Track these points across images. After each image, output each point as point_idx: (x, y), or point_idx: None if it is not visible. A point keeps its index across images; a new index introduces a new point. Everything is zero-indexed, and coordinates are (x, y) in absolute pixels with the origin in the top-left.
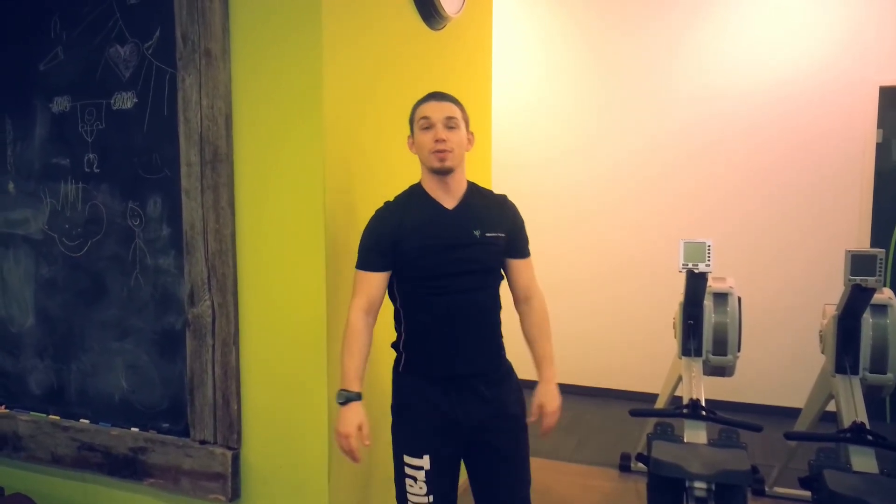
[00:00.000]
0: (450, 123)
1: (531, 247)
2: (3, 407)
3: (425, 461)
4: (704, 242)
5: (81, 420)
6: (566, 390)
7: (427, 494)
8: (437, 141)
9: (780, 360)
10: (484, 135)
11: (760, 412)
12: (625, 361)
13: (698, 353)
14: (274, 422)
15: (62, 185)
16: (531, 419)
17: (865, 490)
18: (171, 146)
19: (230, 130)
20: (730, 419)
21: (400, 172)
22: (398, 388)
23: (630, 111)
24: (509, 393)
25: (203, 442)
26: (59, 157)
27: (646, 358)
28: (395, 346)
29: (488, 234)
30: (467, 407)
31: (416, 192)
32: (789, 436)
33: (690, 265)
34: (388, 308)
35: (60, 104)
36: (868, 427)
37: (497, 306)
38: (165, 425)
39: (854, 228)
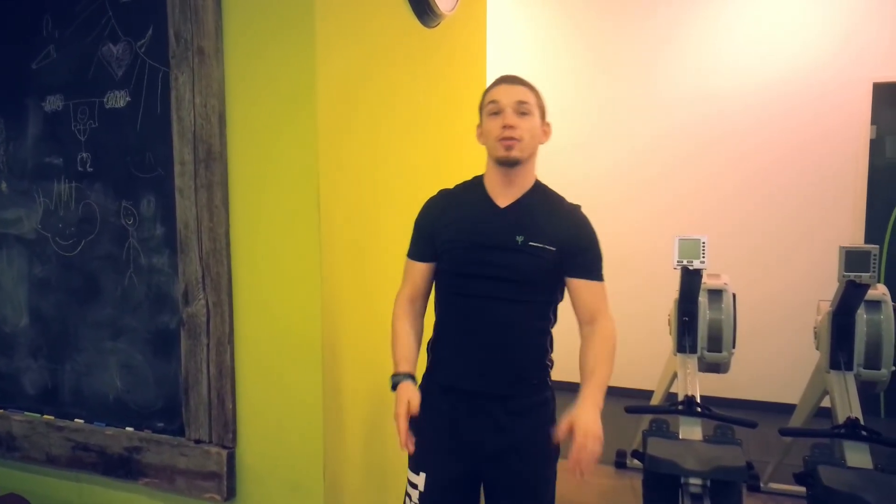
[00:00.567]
0: (521, 109)
1: None
2: None
3: (420, 479)
4: (699, 239)
5: (76, 420)
6: (560, 387)
7: None
8: (504, 127)
9: (775, 357)
10: None
11: (755, 408)
12: (620, 358)
13: (693, 350)
14: (269, 421)
15: (55, 185)
16: (556, 439)
17: (860, 485)
18: (165, 145)
19: (224, 129)
20: (725, 415)
21: (395, 170)
22: (421, 388)
23: (625, 109)
24: (537, 428)
25: (198, 441)
26: (52, 157)
27: (641, 354)
28: (428, 345)
29: (532, 244)
30: (479, 431)
31: (473, 183)
32: (784, 432)
33: (685, 262)
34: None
35: (53, 103)
36: (862, 423)
37: (537, 326)
38: (160, 425)
39: (848, 224)
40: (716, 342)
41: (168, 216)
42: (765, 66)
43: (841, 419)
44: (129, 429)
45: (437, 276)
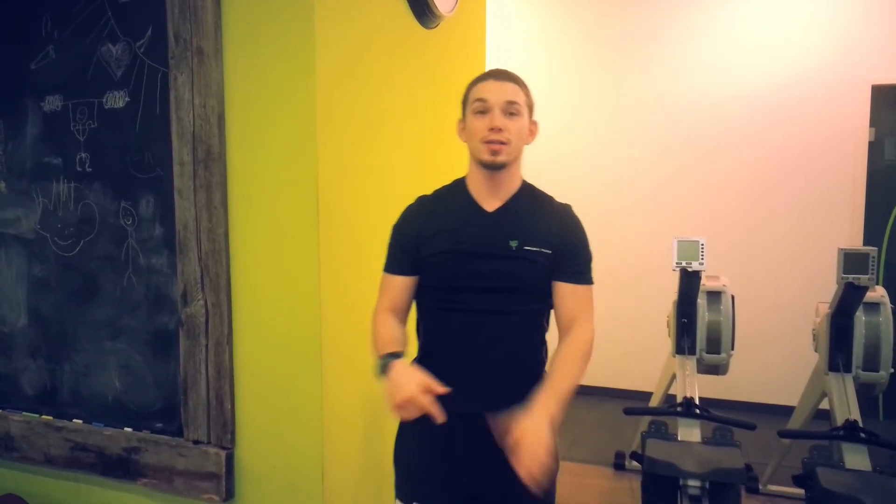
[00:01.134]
0: (511, 109)
1: None
2: None
3: None
4: (698, 241)
5: (74, 420)
6: None
7: None
8: (492, 129)
9: (774, 359)
10: None
11: (754, 410)
12: (619, 360)
13: (692, 352)
14: (268, 421)
15: (54, 185)
16: (504, 448)
17: (858, 487)
18: (164, 145)
19: (223, 129)
20: (723, 417)
21: (395, 171)
22: None
23: (626, 113)
24: None
25: (196, 442)
26: (51, 157)
27: (640, 356)
28: (413, 363)
29: (527, 248)
30: (478, 454)
31: (456, 187)
32: (783, 434)
33: (684, 263)
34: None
35: (52, 103)
36: (861, 425)
37: (536, 337)
38: (159, 425)
39: (847, 226)
40: (714, 344)
41: (167, 216)
42: (763, 69)
43: (840, 421)
44: (127, 429)
45: (422, 293)
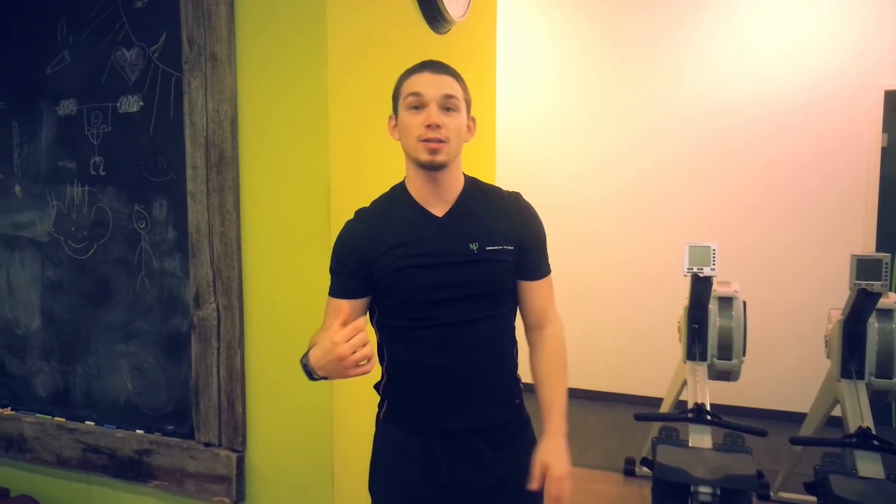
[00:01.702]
0: (447, 104)
1: None
2: (9, 409)
3: None
4: (709, 246)
5: (87, 422)
6: (569, 394)
7: None
8: (428, 126)
9: (786, 365)
10: (488, 143)
11: (765, 417)
12: (629, 365)
13: (703, 358)
14: (279, 424)
15: (68, 188)
16: (532, 486)
17: (871, 495)
18: (177, 149)
19: (236, 134)
20: (735, 423)
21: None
22: (377, 439)
23: (638, 119)
24: (522, 456)
25: (208, 444)
26: (66, 160)
27: (650, 362)
28: (377, 387)
29: (490, 248)
30: (461, 472)
31: (397, 194)
32: (795, 440)
33: (695, 269)
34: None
35: (67, 107)
36: (874, 432)
37: (509, 340)
38: (170, 427)
39: (859, 233)
40: (726, 350)
41: (180, 220)
42: (775, 74)
43: (852, 428)
44: (139, 431)
45: (382, 314)
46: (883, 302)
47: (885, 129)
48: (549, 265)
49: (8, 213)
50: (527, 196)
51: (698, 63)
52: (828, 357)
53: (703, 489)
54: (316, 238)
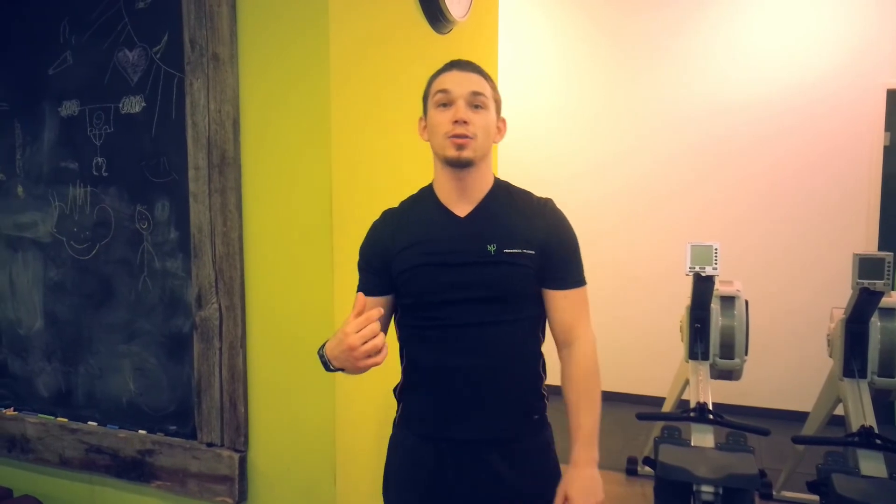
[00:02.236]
0: (476, 101)
1: None
2: (12, 409)
3: None
4: (712, 245)
5: (89, 422)
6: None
7: None
8: (455, 122)
9: (788, 364)
10: None
11: (768, 416)
12: (631, 365)
13: (705, 357)
14: (281, 424)
15: (70, 189)
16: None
17: (874, 494)
18: (179, 150)
19: (238, 134)
20: (737, 423)
21: (409, 176)
22: (390, 445)
23: (640, 119)
24: (543, 478)
25: (210, 444)
26: (68, 161)
27: (652, 361)
28: (395, 390)
29: (508, 251)
30: (475, 487)
31: (424, 195)
32: (797, 440)
33: (697, 268)
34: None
35: (69, 108)
36: (876, 431)
37: (530, 350)
38: (173, 428)
39: (862, 232)
40: (728, 349)
41: (182, 220)
42: (777, 73)
43: (855, 427)
44: (141, 431)
45: (401, 313)
46: (885, 301)
47: (887, 128)
48: (581, 276)
49: (10, 213)
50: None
51: (700, 63)
52: (830, 356)
53: (706, 488)
54: (318, 238)
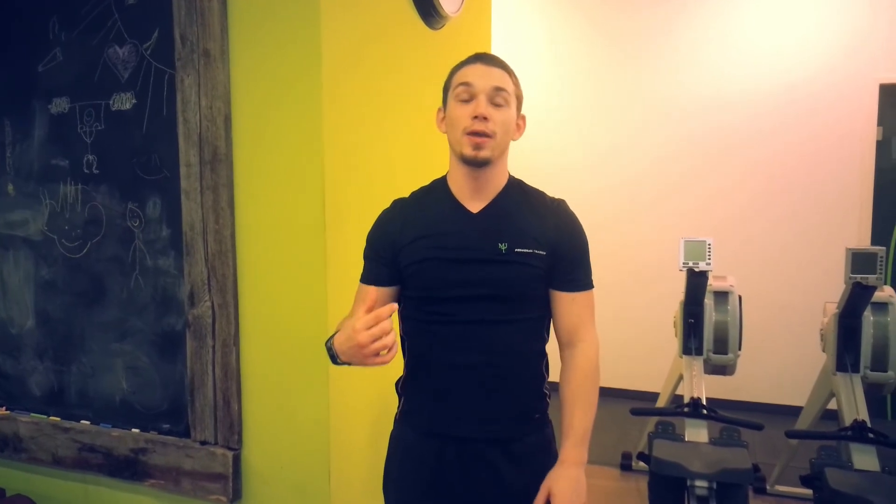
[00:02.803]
0: (497, 98)
1: None
2: (4, 409)
3: None
4: (705, 241)
5: (82, 421)
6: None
7: None
8: (475, 118)
9: (781, 359)
10: None
11: (761, 411)
12: (626, 360)
13: (699, 352)
14: (275, 422)
15: (61, 187)
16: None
17: (867, 488)
18: (171, 147)
19: (229, 131)
20: (731, 418)
21: (401, 172)
22: (391, 441)
23: (633, 115)
24: (542, 473)
25: (204, 443)
26: (58, 159)
27: (647, 357)
28: (397, 385)
29: (519, 251)
30: (476, 485)
31: (436, 187)
32: (790, 434)
33: (691, 264)
34: None
35: (59, 105)
36: (869, 425)
37: (535, 348)
38: (166, 426)
39: (854, 226)
40: (722, 344)
41: (174, 218)
42: (770, 69)
43: (848, 421)
44: (134, 430)
45: (405, 305)
46: (878, 295)
47: (879, 123)
48: (589, 280)
49: (1, 212)
50: None
51: (693, 58)
52: (823, 350)
53: (700, 483)
54: (311, 235)
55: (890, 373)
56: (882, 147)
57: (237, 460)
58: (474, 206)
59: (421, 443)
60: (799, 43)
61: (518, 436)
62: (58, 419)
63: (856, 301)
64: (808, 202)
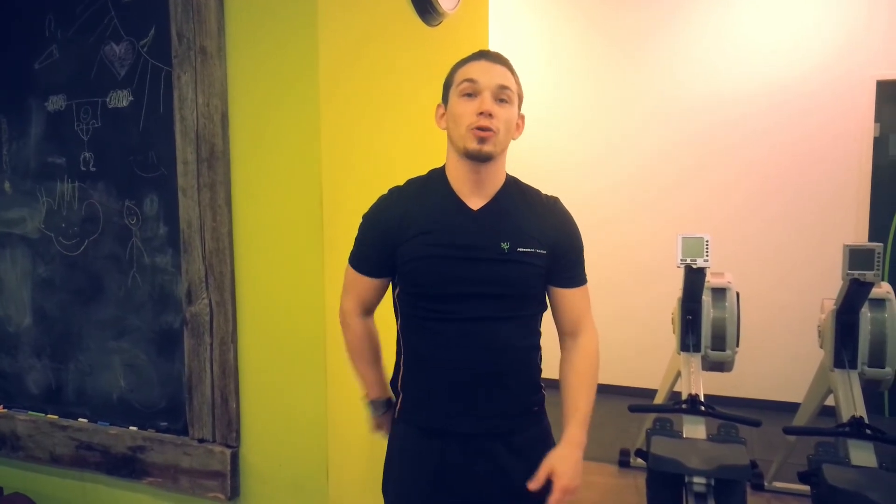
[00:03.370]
0: (501, 95)
1: None
2: (1, 407)
3: None
4: (702, 237)
5: (80, 419)
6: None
7: None
8: (480, 114)
9: (779, 355)
10: None
11: (759, 407)
12: (624, 357)
13: (697, 349)
14: (273, 420)
15: (58, 184)
16: (531, 485)
17: (864, 484)
18: (168, 144)
19: (226, 128)
20: (728, 414)
21: (398, 169)
22: (391, 438)
23: (631, 112)
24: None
25: (202, 440)
26: (55, 156)
27: (644, 353)
28: (392, 383)
29: (521, 250)
30: (478, 479)
31: (434, 179)
32: (788, 430)
33: (689, 260)
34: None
35: (56, 103)
36: (867, 421)
37: (532, 344)
38: (164, 424)
39: (852, 223)
40: (719, 341)
41: (171, 216)
42: (767, 66)
43: (845, 418)
44: (132, 428)
45: (403, 300)
46: (875, 291)
47: (877, 119)
48: (585, 274)
49: None
50: None
51: (691, 56)
52: (821, 347)
53: (698, 480)
54: (308, 232)
55: (887, 369)
56: (879, 143)
57: (235, 458)
58: (474, 203)
59: (421, 440)
60: (796, 40)
61: (518, 429)
62: (55, 417)
63: (853, 297)
64: (805, 199)
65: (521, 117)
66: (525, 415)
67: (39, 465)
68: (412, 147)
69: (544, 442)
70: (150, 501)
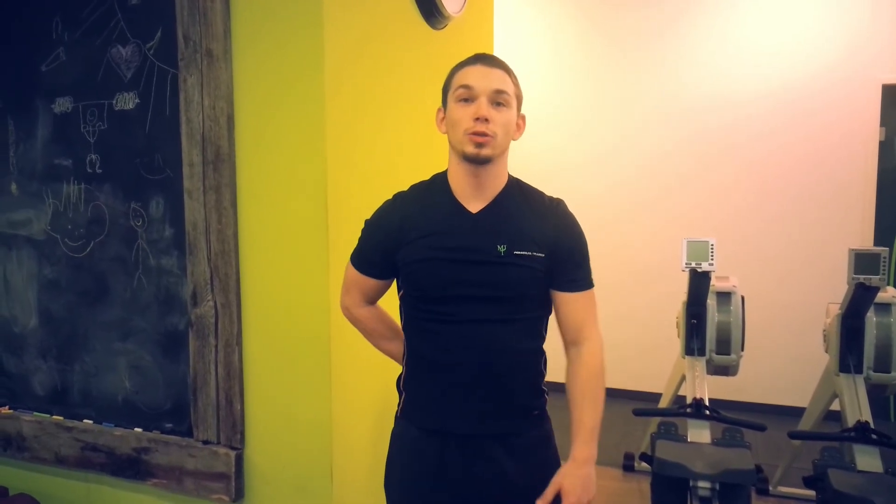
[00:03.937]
0: (498, 98)
1: None
2: (7, 408)
3: None
4: (707, 241)
5: (85, 420)
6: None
7: None
8: (477, 119)
9: (784, 360)
10: None
11: (764, 411)
12: (628, 361)
13: (702, 353)
14: (277, 421)
15: (64, 186)
16: (539, 503)
17: (870, 489)
18: (173, 146)
19: (232, 131)
20: (733, 418)
21: (403, 172)
22: (393, 436)
23: (635, 114)
24: (543, 472)
25: (206, 442)
26: (62, 158)
27: (649, 357)
28: (398, 382)
29: (518, 253)
30: (478, 481)
31: (437, 183)
32: (793, 435)
33: (693, 264)
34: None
35: (62, 105)
36: (872, 426)
37: (533, 347)
38: (169, 425)
39: (857, 227)
40: (724, 345)
41: (177, 218)
42: (772, 69)
43: (850, 422)
44: (137, 429)
45: (406, 302)
46: (881, 296)
47: (882, 123)
48: (590, 279)
49: (4, 211)
50: None
51: (695, 58)
52: (826, 351)
53: (702, 484)
54: (313, 234)
55: (893, 374)
56: (885, 147)
57: (240, 459)
58: (474, 206)
59: (422, 440)
60: (801, 43)
61: (517, 431)
62: (61, 418)
63: (859, 302)
64: (810, 203)
65: (522, 118)
66: (524, 418)
67: (44, 465)
68: (416, 149)
69: (545, 446)
70: (154, 503)
